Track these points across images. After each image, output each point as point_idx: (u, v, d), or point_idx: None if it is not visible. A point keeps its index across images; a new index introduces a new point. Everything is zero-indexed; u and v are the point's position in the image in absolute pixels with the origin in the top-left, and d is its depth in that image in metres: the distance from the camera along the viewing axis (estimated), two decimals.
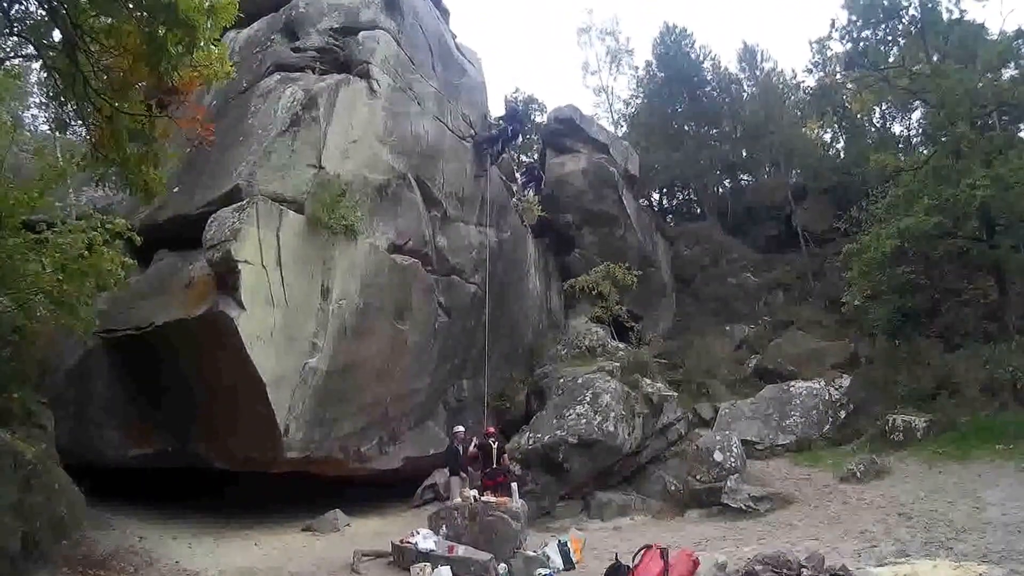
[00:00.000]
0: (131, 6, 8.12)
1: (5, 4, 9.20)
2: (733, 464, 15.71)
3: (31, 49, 10.08)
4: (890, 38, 25.48)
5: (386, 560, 11.84)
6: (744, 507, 14.57)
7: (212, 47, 9.38)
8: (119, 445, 13.86)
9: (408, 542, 11.47)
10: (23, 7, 9.77)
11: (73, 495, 10.62)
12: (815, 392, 20.54)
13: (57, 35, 9.03)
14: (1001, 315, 19.78)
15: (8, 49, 11.42)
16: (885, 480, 14.98)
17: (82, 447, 13.27)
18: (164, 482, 14.94)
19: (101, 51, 8.68)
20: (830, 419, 19.79)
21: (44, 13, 8.99)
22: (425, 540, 11.41)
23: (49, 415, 11.68)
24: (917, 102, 26.26)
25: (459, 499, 12.82)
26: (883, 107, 31.38)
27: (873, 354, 22.28)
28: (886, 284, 20.86)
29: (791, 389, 20.96)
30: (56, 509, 9.91)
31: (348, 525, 14.58)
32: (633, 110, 43.47)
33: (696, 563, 9.73)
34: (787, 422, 19.95)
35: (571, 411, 16.97)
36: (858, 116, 31.57)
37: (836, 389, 20.48)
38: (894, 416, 17.52)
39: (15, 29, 9.41)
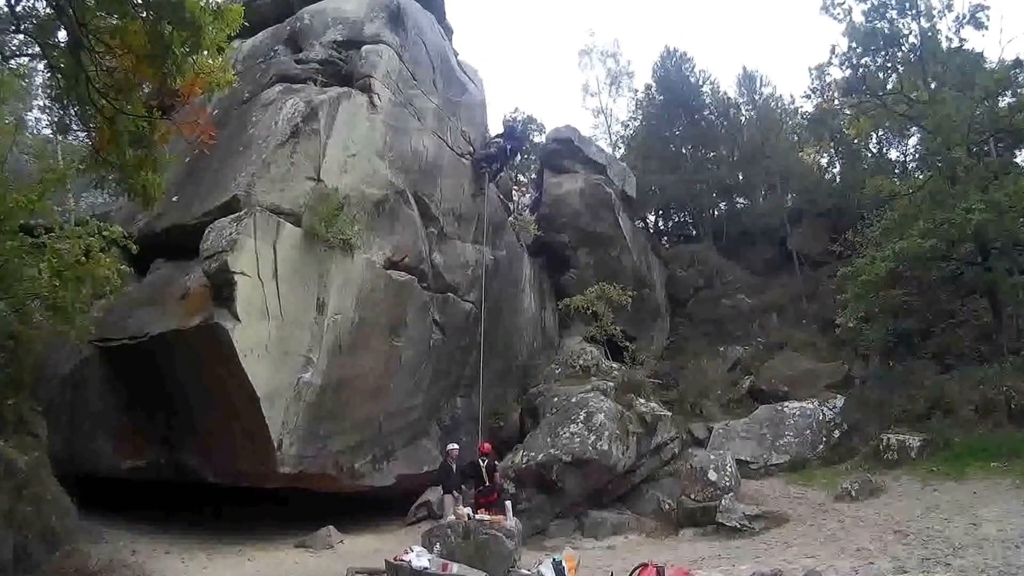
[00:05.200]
0: (138, 4, 8.17)
1: (12, 1, 9.24)
2: (727, 483, 15.67)
3: (36, 49, 10.12)
4: (889, 65, 25.70)
5: None
6: (739, 526, 14.50)
7: (218, 53, 9.42)
8: (112, 456, 13.82)
9: (402, 560, 11.30)
10: (29, 3, 9.83)
11: (65, 505, 10.57)
12: (809, 412, 20.47)
13: (62, 35, 9.06)
14: (994, 337, 19.83)
15: (14, 48, 11.44)
16: (880, 498, 14.92)
17: (76, 457, 13.24)
18: (158, 495, 14.82)
19: (105, 51, 8.70)
20: (824, 439, 19.72)
21: (50, 11, 9.04)
22: (419, 558, 11.25)
23: (43, 423, 11.64)
24: (914, 128, 26.49)
25: (453, 517, 12.69)
26: (880, 133, 31.61)
27: (867, 375, 22.33)
28: (880, 306, 20.91)
29: (785, 409, 20.88)
30: (47, 520, 9.84)
31: (341, 542, 14.51)
32: (631, 132, 43.64)
33: None
34: (781, 442, 19.88)
35: (565, 430, 16.90)
36: (855, 141, 31.82)
37: (830, 409, 20.43)
38: (888, 435, 17.47)
39: (21, 27, 9.44)
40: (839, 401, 20.80)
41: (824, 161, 37.26)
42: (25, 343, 11.47)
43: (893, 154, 33.37)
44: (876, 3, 24.27)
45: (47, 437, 11.49)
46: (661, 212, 41.69)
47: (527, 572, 11.38)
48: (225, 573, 12.04)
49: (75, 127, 12.06)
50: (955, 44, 24.12)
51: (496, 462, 14.63)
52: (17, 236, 10.47)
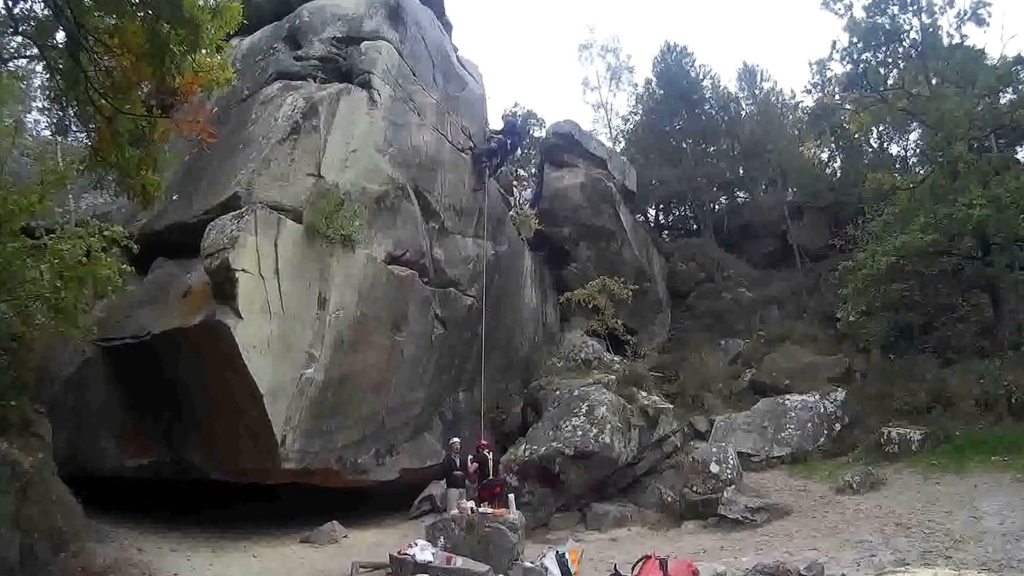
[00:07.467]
0: (135, 3, 8.17)
1: (9, 2, 9.24)
2: (729, 475, 15.72)
3: (35, 51, 10.12)
4: (890, 60, 25.76)
5: (384, 572, 11.77)
6: (741, 518, 14.54)
7: (217, 51, 9.42)
8: (117, 455, 13.80)
9: (406, 553, 11.36)
10: (27, 5, 9.83)
11: (70, 506, 10.58)
12: (810, 405, 20.49)
13: (61, 36, 9.07)
14: (995, 331, 19.89)
15: (12, 50, 11.42)
16: (881, 491, 14.98)
17: (80, 457, 13.21)
18: (163, 493, 14.85)
19: (104, 51, 8.71)
20: (825, 432, 19.74)
21: (48, 12, 9.04)
22: (423, 551, 11.31)
23: (47, 424, 11.63)
24: (915, 123, 26.53)
25: (456, 510, 12.75)
26: (881, 128, 31.59)
27: (868, 368, 22.36)
28: (881, 300, 20.98)
29: (786, 402, 20.91)
30: (53, 520, 9.85)
31: (346, 536, 14.53)
32: (631, 126, 43.63)
33: (695, 573, 9.72)
34: (782, 434, 19.92)
35: (567, 423, 16.96)
36: (856, 136, 31.80)
37: (831, 402, 20.43)
38: (889, 429, 17.51)
39: (19, 29, 9.44)
40: (840, 394, 20.80)
41: (825, 156, 37.24)
42: (28, 345, 11.43)
43: (894, 149, 33.49)
44: None
45: (51, 438, 11.49)
46: (662, 206, 41.71)
47: (531, 565, 11.44)
48: (231, 570, 12.04)
49: (74, 128, 12.07)
50: (956, 40, 24.18)
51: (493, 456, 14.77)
52: (18, 238, 10.44)
